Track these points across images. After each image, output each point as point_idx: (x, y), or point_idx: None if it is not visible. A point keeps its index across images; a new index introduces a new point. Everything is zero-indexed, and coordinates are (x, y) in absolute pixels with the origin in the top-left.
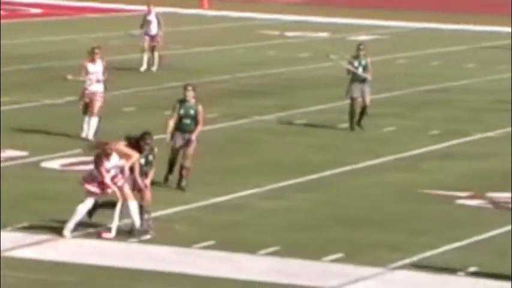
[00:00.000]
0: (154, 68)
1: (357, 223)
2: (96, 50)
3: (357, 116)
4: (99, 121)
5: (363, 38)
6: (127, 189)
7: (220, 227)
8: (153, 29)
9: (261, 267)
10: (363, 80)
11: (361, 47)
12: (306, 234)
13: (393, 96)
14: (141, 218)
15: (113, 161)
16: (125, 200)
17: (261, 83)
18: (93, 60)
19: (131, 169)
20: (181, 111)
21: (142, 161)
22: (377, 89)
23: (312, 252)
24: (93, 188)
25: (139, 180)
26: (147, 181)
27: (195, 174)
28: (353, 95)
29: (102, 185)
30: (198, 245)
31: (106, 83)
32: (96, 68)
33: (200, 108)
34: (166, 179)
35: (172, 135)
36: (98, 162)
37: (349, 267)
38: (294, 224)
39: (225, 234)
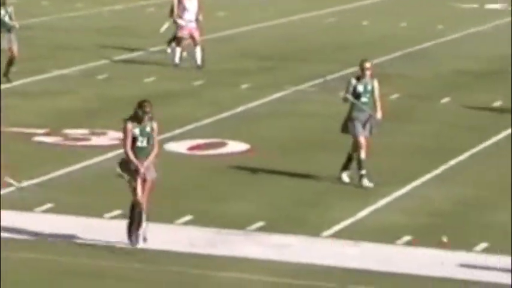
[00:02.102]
0: None
1: None
2: None
3: (5, 67)
4: None
5: None
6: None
7: None
8: None
9: None
10: (9, 29)
11: None
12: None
13: None
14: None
15: None
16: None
17: None
18: None
19: None
20: None
21: (140, 140)
22: None
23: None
24: None
25: (134, 161)
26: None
27: None
28: (4, 45)
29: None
30: None
31: None
32: None
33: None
34: None
35: None
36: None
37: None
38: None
39: None
